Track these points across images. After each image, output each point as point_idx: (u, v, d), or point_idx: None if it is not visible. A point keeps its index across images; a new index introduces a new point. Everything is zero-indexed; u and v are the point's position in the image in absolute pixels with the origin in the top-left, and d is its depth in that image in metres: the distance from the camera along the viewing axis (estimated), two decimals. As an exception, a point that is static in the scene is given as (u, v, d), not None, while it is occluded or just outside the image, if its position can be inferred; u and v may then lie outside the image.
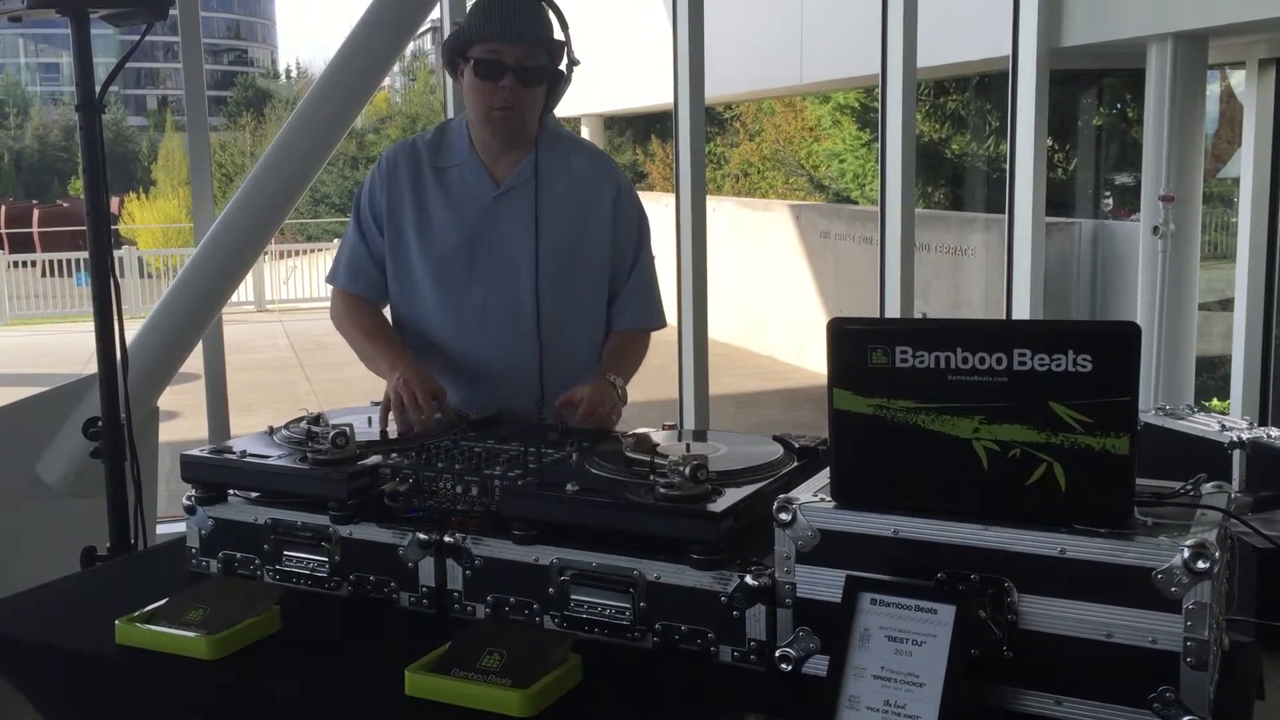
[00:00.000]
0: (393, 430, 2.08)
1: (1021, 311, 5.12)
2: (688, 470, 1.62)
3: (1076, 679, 1.37)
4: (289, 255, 16.98)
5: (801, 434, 1.94)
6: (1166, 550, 1.32)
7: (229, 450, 1.94)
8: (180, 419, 6.95)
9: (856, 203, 13.66)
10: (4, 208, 26.94)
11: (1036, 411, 1.39)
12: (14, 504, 3.50)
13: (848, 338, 1.48)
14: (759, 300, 10.88)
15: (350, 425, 1.89)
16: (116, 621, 1.69)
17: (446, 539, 1.74)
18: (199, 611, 1.71)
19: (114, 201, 28.77)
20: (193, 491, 1.96)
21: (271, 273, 16.06)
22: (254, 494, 1.94)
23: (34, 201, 30.35)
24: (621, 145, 20.55)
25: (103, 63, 2.54)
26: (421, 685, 1.50)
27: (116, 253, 16.46)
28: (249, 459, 1.90)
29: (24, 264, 17.04)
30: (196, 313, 3.55)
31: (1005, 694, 1.40)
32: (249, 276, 15.53)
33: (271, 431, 2.05)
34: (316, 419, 1.99)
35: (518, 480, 1.75)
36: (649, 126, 19.51)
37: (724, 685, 1.54)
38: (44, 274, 16.50)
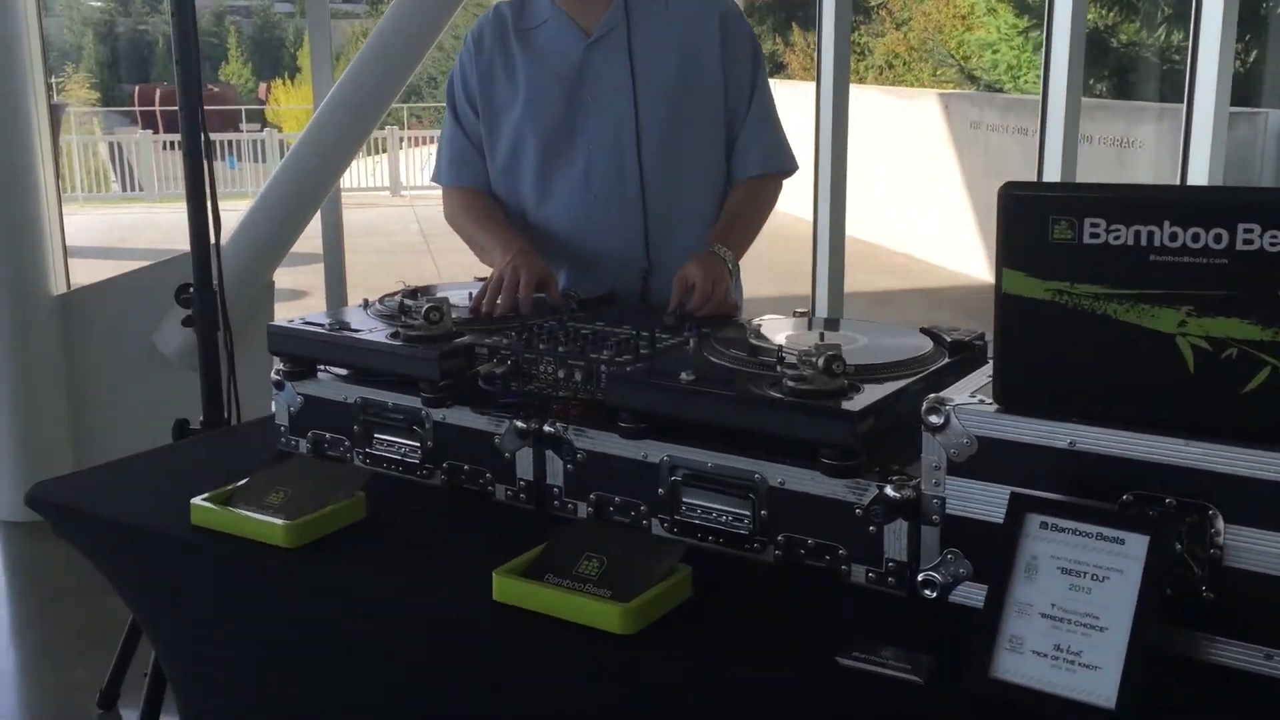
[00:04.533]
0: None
1: (1195, 209, 4.65)
2: (821, 362, 1.39)
3: (1293, 631, 1.12)
4: (424, 143, 17.01)
5: (955, 327, 1.69)
6: None
7: (318, 322, 1.78)
8: (310, 298, 6.98)
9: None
10: (159, 91, 27.78)
11: (1262, 303, 1.12)
12: (134, 374, 3.49)
13: (1023, 207, 1.22)
14: (898, 195, 10.35)
15: (446, 299, 1.72)
16: (192, 501, 1.57)
17: (546, 428, 1.56)
18: (279, 494, 1.57)
19: (261, 87, 29.39)
20: (279, 366, 1.82)
21: (407, 159, 16.12)
22: (344, 371, 1.79)
23: (186, 87, 31.08)
24: (761, 34, 19.86)
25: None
26: (511, 590, 1.33)
27: (259, 135, 16.77)
28: (337, 332, 1.74)
29: (178, 145, 17.41)
30: (308, 189, 3.45)
31: (1203, 643, 1.16)
32: (384, 162, 15.69)
33: (366, 305, 1.89)
34: (413, 293, 1.82)
35: (626, 367, 1.55)
36: (790, 13, 18.76)
37: (855, 609, 1.33)
38: (192, 157, 16.84)
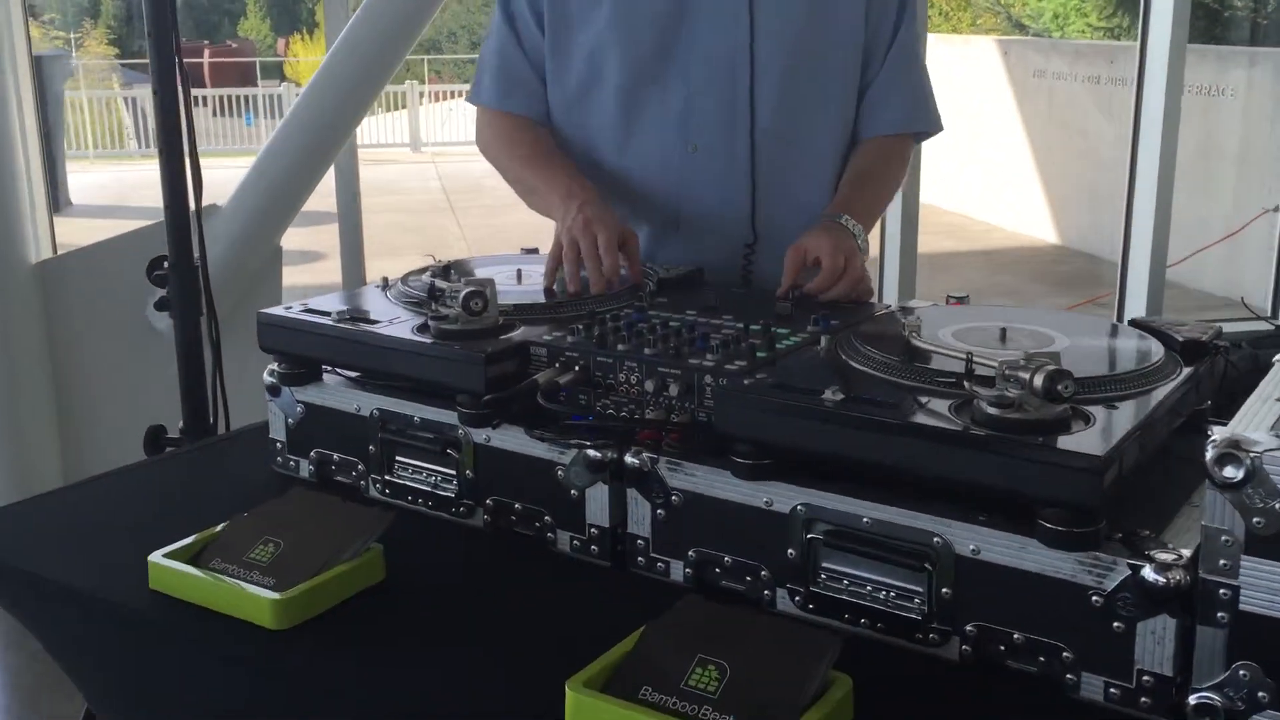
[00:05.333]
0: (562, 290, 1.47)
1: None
2: (1040, 380, 0.96)
3: None
4: (445, 97, 16.53)
5: (1178, 320, 1.26)
6: None
7: (322, 310, 1.36)
8: (326, 260, 6.56)
9: (1057, 46, 12.27)
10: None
11: None
12: (125, 352, 3.09)
13: None
14: (951, 149, 9.78)
15: (491, 281, 1.29)
16: (151, 558, 1.16)
17: (629, 460, 1.14)
18: (268, 547, 1.16)
19: (280, 43, 28.99)
20: (275, 365, 1.41)
21: (427, 114, 15.67)
22: (355, 374, 1.38)
23: (205, 42, 30.77)
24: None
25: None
26: (591, 713, 0.92)
27: (276, 90, 16.54)
28: (346, 324, 1.32)
29: (197, 101, 17.13)
30: (318, 143, 3.02)
31: None
32: (404, 118, 15.29)
33: (386, 285, 1.48)
34: (446, 270, 1.40)
35: (742, 377, 1.12)
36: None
37: (1089, 740, 0.92)
38: (215, 114, 16.65)
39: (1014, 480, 0.95)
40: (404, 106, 15.72)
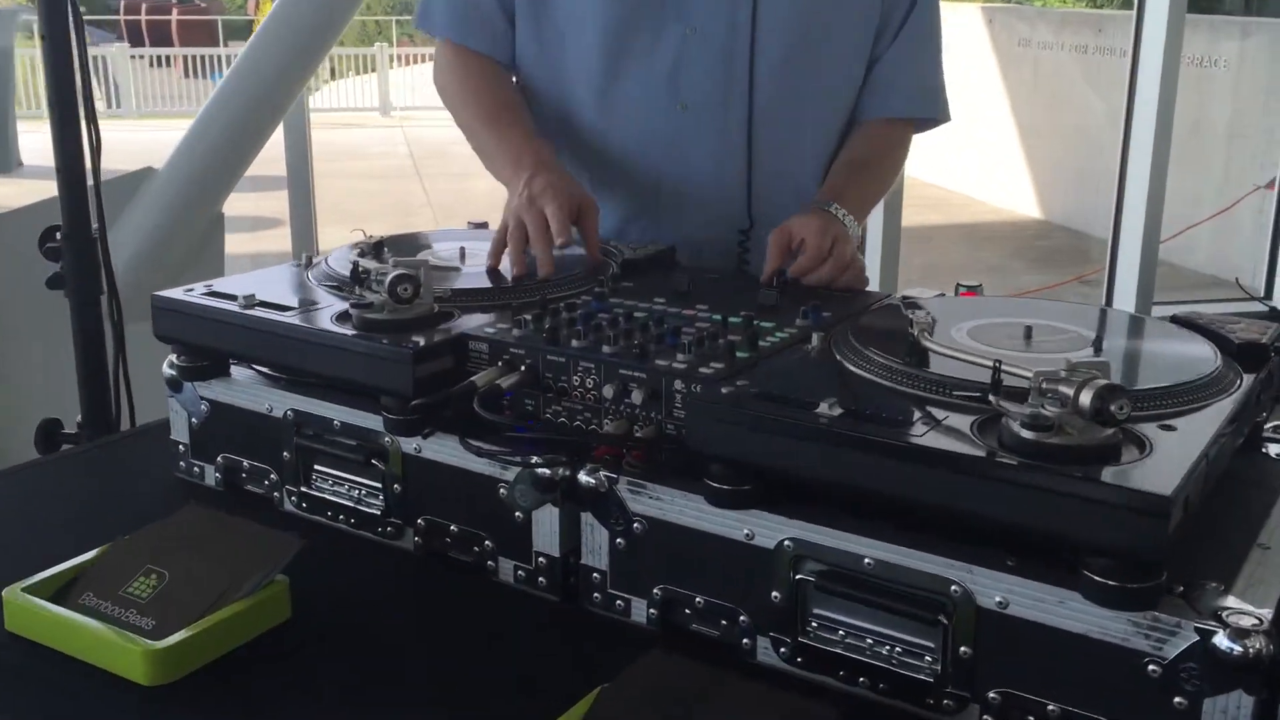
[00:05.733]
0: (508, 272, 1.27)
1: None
2: (1088, 398, 0.78)
3: None
4: (416, 60, 16.21)
5: (1228, 316, 1.08)
6: None
7: (227, 293, 1.17)
8: (280, 227, 6.33)
9: (1041, 16, 12.07)
10: (144, 4, 26.93)
11: None
12: (52, 327, 2.86)
13: None
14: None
15: (424, 264, 1.10)
16: (5, 592, 0.97)
17: (583, 479, 0.96)
18: (150, 580, 0.97)
19: (250, 3, 28.59)
20: (174, 356, 1.21)
21: (398, 78, 15.34)
22: (266, 369, 1.19)
23: (173, 1, 30.27)
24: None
25: None
26: (528, 810, 0.74)
27: (243, 50, 16.49)
28: (253, 311, 1.12)
29: (163, 61, 16.73)
30: (263, 103, 2.80)
31: None
32: (374, 81, 14.96)
33: (308, 263, 1.28)
34: (378, 248, 1.21)
35: (719, 384, 0.94)
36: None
37: (1142, 842, 0.75)
38: (184, 75, 16.32)
39: (1052, 520, 0.77)
40: (374, 70, 15.38)
